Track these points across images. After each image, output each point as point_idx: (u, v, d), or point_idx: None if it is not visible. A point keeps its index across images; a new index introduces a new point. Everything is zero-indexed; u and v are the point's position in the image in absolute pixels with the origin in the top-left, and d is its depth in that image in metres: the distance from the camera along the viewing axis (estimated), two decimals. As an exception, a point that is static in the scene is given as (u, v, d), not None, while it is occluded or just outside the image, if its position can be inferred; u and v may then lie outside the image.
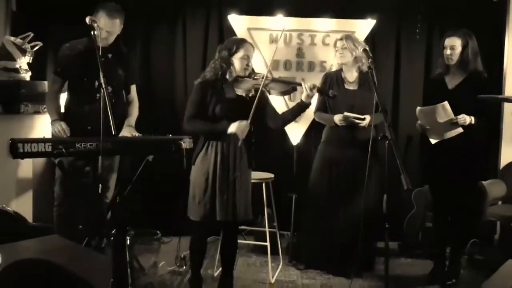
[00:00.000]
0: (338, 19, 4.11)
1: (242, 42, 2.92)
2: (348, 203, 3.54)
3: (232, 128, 2.77)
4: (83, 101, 3.21)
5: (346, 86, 3.57)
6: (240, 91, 2.91)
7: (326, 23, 4.09)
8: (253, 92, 2.88)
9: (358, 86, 3.56)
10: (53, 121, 3.22)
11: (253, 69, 3.03)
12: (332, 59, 3.70)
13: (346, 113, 3.41)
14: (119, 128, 3.10)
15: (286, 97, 3.87)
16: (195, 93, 2.92)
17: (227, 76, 2.89)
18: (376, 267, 3.72)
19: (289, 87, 2.95)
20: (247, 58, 2.89)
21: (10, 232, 2.79)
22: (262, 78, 2.86)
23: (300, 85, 2.89)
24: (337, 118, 3.46)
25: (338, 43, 3.52)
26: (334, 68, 3.71)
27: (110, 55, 3.23)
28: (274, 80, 2.98)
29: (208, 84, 2.88)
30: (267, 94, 2.99)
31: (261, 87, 2.81)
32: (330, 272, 3.61)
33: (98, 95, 3.07)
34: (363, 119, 3.41)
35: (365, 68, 3.53)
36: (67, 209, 3.30)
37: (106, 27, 3.12)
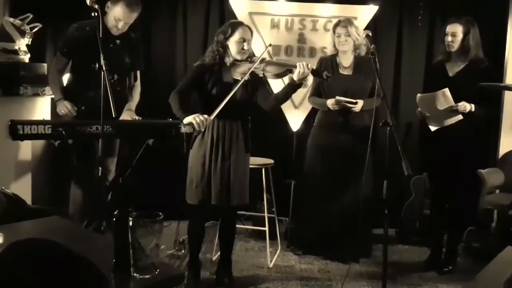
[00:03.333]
0: (341, 4, 4.08)
1: (237, 25, 2.87)
2: (342, 188, 3.56)
3: (188, 119, 2.69)
4: (88, 84, 3.16)
5: (341, 71, 3.55)
6: (236, 75, 2.88)
7: (328, 8, 4.06)
8: (248, 76, 2.83)
9: (353, 72, 3.55)
10: (57, 101, 3.21)
11: (253, 53, 3.00)
12: (329, 44, 3.64)
13: (338, 97, 3.39)
14: (120, 113, 3.08)
15: (285, 78, 3.83)
16: (191, 73, 2.93)
17: (225, 60, 2.87)
18: (372, 253, 3.75)
19: (283, 69, 2.90)
20: (243, 42, 2.83)
21: (9, 214, 2.80)
22: (257, 61, 2.83)
23: (295, 67, 2.85)
24: (330, 102, 3.45)
25: (340, 29, 3.47)
26: (329, 53, 3.68)
27: (118, 41, 3.22)
28: (269, 62, 2.93)
29: (206, 68, 2.86)
30: (265, 77, 2.94)
31: (252, 67, 2.78)
32: (327, 258, 3.64)
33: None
34: (355, 103, 3.40)
35: (362, 53, 3.53)
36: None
37: (125, 19, 3.12)
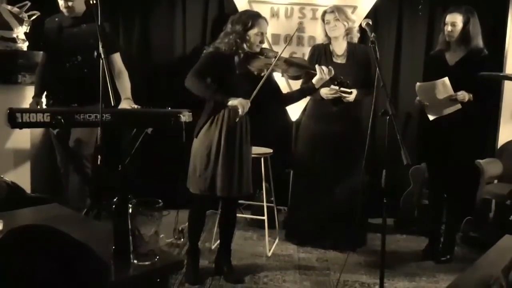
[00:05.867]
0: (341, -7, 4.05)
1: (257, 17, 2.84)
2: (335, 178, 3.57)
3: (234, 101, 2.72)
4: (55, 71, 3.29)
5: (334, 60, 3.53)
6: (252, 69, 2.86)
7: (328, -3, 4.03)
8: (265, 72, 2.82)
9: (346, 60, 3.53)
10: (33, 97, 3.29)
11: None
12: (320, 34, 3.62)
13: (333, 86, 3.37)
14: (95, 97, 3.01)
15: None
16: (205, 59, 2.85)
17: (240, 51, 2.84)
18: (368, 242, 3.77)
19: (303, 71, 2.92)
20: (261, 35, 2.83)
21: (8, 203, 2.80)
22: (275, 58, 2.83)
23: (315, 70, 2.88)
24: (324, 91, 3.43)
25: (328, 15, 3.45)
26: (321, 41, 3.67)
27: (84, 26, 3.22)
28: (287, 62, 2.92)
29: (221, 56, 2.82)
30: (283, 75, 2.96)
31: (272, 65, 2.79)
32: (325, 247, 3.64)
33: (67, 64, 3.21)
34: (350, 93, 3.40)
35: (355, 39, 3.51)
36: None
37: None
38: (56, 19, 3.30)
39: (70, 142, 3.26)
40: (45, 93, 3.35)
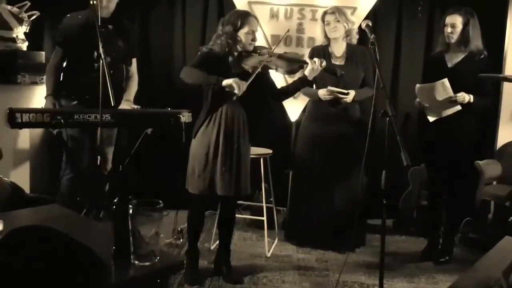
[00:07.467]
0: (340, -6, 4.06)
1: (246, 16, 2.85)
2: (334, 179, 3.57)
3: (229, 81, 2.68)
4: (81, 71, 3.20)
5: (333, 61, 3.53)
6: (246, 67, 2.87)
7: (328, -2, 4.04)
8: (259, 69, 2.83)
9: (345, 61, 3.54)
10: (46, 96, 3.24)
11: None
12: (319, 35, 3.62)
13: (330, 87, 3.39)
14: (117, 100, 3.07)
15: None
16: (201, 56, 2.85)
17: (233, 51, 2.86)
18: (367, 243, 3.77)
19: (296, 66, 2.93)
20: (252, 33, 2.84)
21: (7, 203, 2.80)
22: (268, 54, 2.84)
23: (307, 63, 2.89)
24: (321, 92, 3.45)
25: (329, 16, 3.46)
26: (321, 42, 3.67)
27: (110, 26, 3.21)
28: (281, 57, 2.93)
29: (215, 56, 2.83)
30: (277, 71, 2.96)
31: (264, 61, 2.80)
32: (324, 247, 3.64)
33: (96, 65, 3.08)
34: (347, 94, 3.40)
35: (354, 40, 3.52)
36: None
37: None
38: (79, 16, 3.22)
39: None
40: (63, 92, 3.27)
